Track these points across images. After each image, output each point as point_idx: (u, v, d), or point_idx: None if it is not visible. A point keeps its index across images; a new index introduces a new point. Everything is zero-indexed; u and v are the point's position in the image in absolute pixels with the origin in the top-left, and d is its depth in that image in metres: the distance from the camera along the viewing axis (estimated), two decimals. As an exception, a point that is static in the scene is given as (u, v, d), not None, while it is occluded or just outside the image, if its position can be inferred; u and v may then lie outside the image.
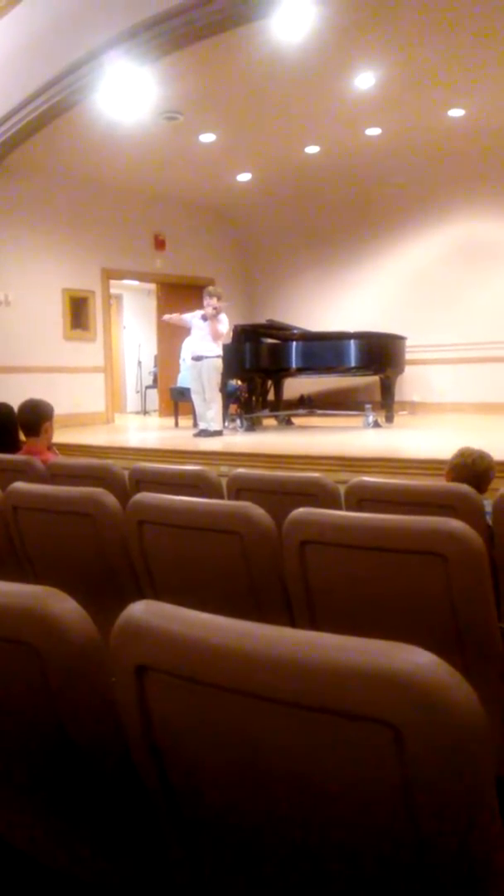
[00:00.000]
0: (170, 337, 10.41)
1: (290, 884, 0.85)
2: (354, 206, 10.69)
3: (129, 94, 6.99)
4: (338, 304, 10.89)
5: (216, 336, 7.61)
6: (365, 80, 7.23)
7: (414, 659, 0.68)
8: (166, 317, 8.04)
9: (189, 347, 8.14)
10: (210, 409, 7.72)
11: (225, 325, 7.74)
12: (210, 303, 7.64)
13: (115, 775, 0.95)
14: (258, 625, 0.77)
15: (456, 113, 8.14)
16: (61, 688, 0.91)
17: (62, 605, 0.91)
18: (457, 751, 0.67)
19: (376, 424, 8.28)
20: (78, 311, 10.01)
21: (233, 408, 9.09)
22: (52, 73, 6.61)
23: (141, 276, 11.06)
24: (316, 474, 2.46)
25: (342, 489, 2.32)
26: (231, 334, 8.05)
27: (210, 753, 0.83)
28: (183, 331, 8.50)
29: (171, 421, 9.62)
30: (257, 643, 0.74)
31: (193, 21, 5.76)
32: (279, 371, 9.05)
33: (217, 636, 0.77)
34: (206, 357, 7.63)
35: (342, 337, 8.57)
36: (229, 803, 0.85)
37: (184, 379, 8.85)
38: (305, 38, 6.21)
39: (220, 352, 7.69)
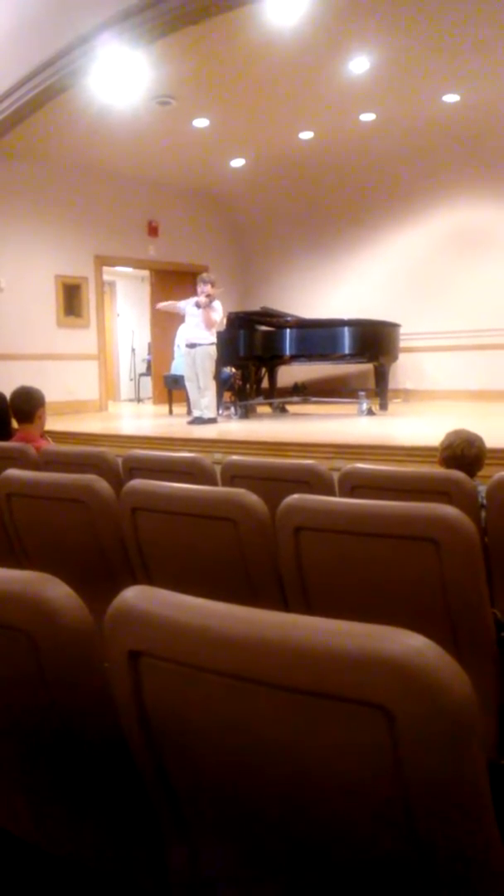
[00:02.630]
0: (163, 324, 10.37)
1: (283, 865, 0.85)
2: (348, 193, 10.64)
3: (121, 79, 6.93)
4: (332, 291, 10.86)
5: (209, 324, 7.58)
6: (359, 64, 7.18)
7: (407, 642, 0.68)
8: (160, 304, 8.01)
9: (183, 335, 8.11)
10: (204, 396, 7.71)
11: (218, 313, 7.71)
12: (204, 290, 7.61)
13: (110, 760, 0.96)
14: (252, 609, 0.78)
15: (450, 98, 8.10)
16: (55, 673, 0.91)
17: (56, 590, 0.91)
18: (449, 734, 0.67)
19: (370, 412, 8.28)
20: (71, 298, 9.96)
21: (227, 395, 9.08)
22: (44, 57, 6.54)
23: (134, 263, 11.00)
24: (310, 461, 2.47)
25: (336, 476, 2.32)
26: (225, 322, 8.03)
27: (204, 737, 0.83)
28: (177, 318, 8.47)
29: (165, 408, 9.60)
30: (251, 627, 0.75)
31: (186, 4, 5.70)
32: (273, 358, 9.04)
33: (211, 621, 0.77)
34: (200, 344, 7.60)
35: (336, 324, 8.56)
36: (223, 786, 0.85)
37: (178, 366, 8.83)
38: (299, 22, 6.16)
39: (213, 339, 7.66)
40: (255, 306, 9.96)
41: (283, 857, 0.85)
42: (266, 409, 9.43)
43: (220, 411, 8.38)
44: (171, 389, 9.30)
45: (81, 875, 1.06)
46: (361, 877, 0.79)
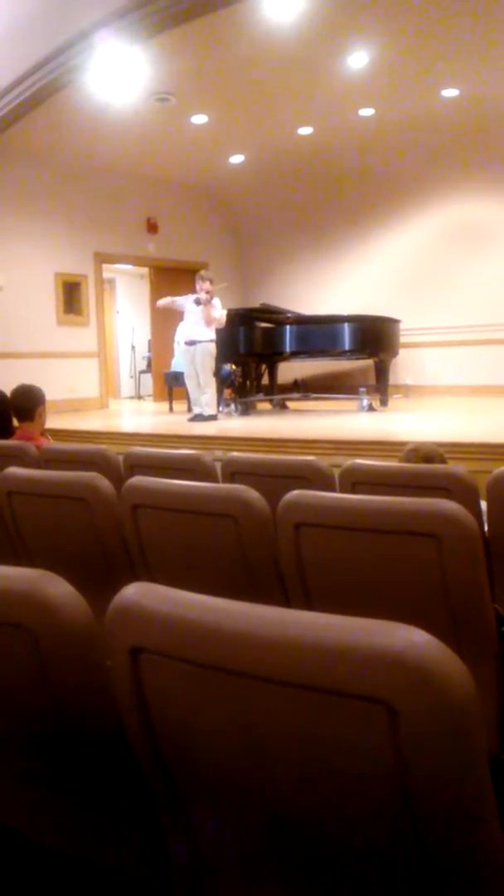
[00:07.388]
0: (164, 321, 10.36)
1: (286, 859, 0.85)
2: (348, 188, 10.62)
3: (120, 75, 6.92)
4: (331, 287, 10.85)
5: (210, 321, 7.57)
6: (358, 59, 7.16)
7: (409, 638, 0.68)
8: (160, 302, 7.99)
9: (182, 332, 8.10)
10: (204, 393, 7.70)
11: (218, 311, 7.69)
12: (203, 287, 7.59)
13: (111, 755, 0.96)
14: (252, 605, 0.77)
15: (449, 93, 8.08)
16: (57, 670, 0.91)
17: (57, 587, 0.91)
18: (450, 728, 0.67)
19: (370, 408, 8.27)
20: (71, 296, 9.95)
21: (227, 392, 9.08)
22: (42, 54, 6.53)
23: (134, 260, 11.00)
24: (310, 457, 2.46)
25: (336, 472, 2.32)
26: (223, 319, 8.03)
27: (205, 733, 0.83)
28: (177, 315, 8.46)
29: (165, 406, 9.60)
30: (252, 623, 0.75)
31: (184, 0, 5.69)
32: (273, 355, 9.03)
33: (211, 617, 0.77)
34: (200, 341, 7.59)
35: (336, 320, 8.55)
36: (225, 782, 0.85)
37: (178, 363, 8.82)
38: (298, 17, 6.15)
39: (213, 336, 7.64)
40: (254, 302, 9.95)
41: (286, 852, 0.85)
42: (266, 406, 9.43)
43: (221, 408, 8.37)
44: (172, 386, 9.29)
45: (83, 870, 1.06)
46: (363, 869, 0.79)
